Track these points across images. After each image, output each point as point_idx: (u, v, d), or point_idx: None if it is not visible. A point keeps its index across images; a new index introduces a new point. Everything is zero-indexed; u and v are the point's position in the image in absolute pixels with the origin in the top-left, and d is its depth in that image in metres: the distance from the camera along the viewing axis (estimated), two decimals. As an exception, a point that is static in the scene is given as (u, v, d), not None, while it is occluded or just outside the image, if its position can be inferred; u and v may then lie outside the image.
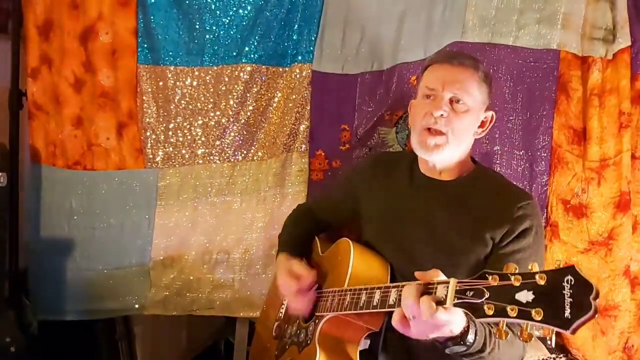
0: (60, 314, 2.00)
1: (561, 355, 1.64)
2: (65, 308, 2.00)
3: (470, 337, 1.02)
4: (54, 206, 2.01)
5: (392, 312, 1.06)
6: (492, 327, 0.95)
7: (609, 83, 1.60)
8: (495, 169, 1.68)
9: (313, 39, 1.87)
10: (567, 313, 0.77)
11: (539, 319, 0.79)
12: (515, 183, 1.52)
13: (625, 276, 1.58)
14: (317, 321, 1.33)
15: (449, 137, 1.27)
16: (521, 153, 1.68)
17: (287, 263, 1.44)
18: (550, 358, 1.63)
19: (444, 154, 1.29)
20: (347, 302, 1.21)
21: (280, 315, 1.57)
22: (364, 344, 1.31)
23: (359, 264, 1.31)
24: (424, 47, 1.77)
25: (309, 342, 1.33)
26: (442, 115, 1.26)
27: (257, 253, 1.94)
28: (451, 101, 1.27)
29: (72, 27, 1.93)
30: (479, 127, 1.34)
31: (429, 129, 1.28)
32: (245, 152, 1.96)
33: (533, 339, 0.85)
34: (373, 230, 1.43)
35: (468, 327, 1.01)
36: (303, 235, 1.58)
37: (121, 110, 1.96)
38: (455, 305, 0.91)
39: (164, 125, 1.96)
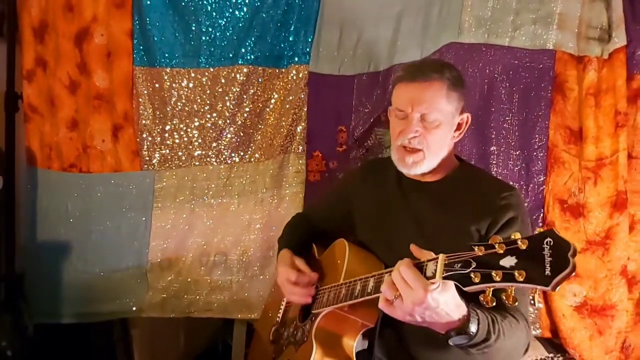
0: (56, 317, 2.00)
1: (558, 355, 1.64)
2: (62, 311, 2.00)
3: (473, 327, 1.03)
4: (50, 209, 2.01)
5: None
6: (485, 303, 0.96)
7: (605, 83, 1.60)
8: (492, 169, 1.69)
9: (310, 40, 1.87)
10: (548, 271, 0.81)
11: (522, 279, 0.83)
12: (511, 183, 1.53)
13: (622, 276, 1.58)
14: (313, 319, 1.34)
15: (425, 153, 1.31)
16: (517, 153, 1.68)
17: (290, 257, 1.47)
18: (548, 358, 1.64)
19: (422, 168, 1.33)
20: (342, 294, 1.25)
21: (278, 319, 1.57)
22: (362, 344, 1.31)
23: (354, 260, 1.33)
24: (421, 48, 1.77)
25: (305, 339, 1.33)
26: (414, 136, 1.30)
27: (254, 255, 1.94)
28: (422, 118, 1.30)
29: (67, 28, 1.93)
30: (455, 130, 1.36)
31: (404, 147, 1.32)
32: (242, 153, 1.95)
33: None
34: (365, 232, 1.46)
35: (469, 317, 1.03)
36: (303, 238, 1.60)
37: (117, 112, 1.95)
38: (444, 278, 0.94)
39: (160, 127, 1.96)
